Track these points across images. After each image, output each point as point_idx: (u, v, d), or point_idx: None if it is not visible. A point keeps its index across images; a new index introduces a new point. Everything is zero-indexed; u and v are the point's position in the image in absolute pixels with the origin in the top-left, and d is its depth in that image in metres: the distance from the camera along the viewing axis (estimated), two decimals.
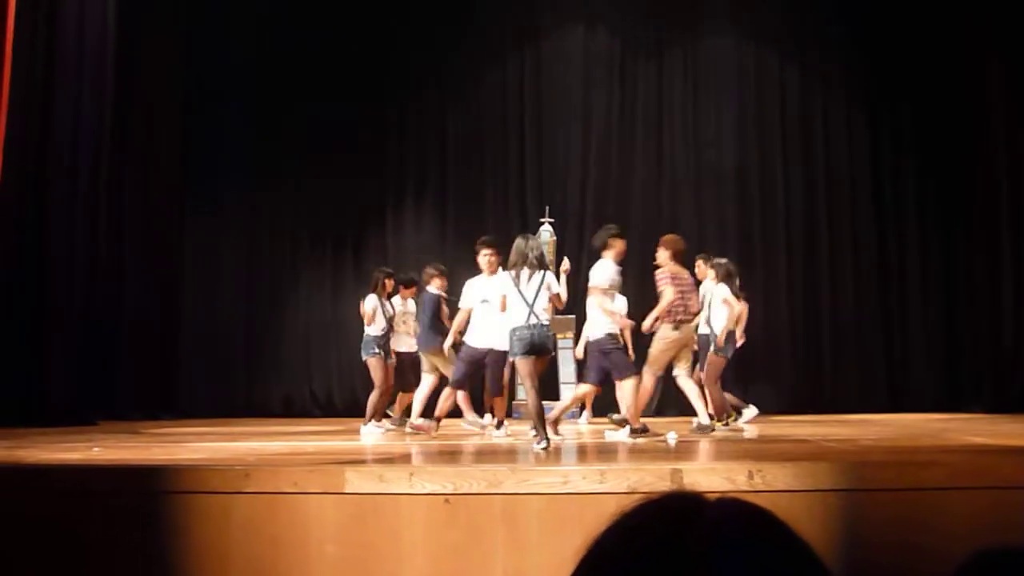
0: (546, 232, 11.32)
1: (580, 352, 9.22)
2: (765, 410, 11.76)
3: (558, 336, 10.08)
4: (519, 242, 6.58)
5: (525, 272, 6.33)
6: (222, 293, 12.79)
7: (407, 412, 8.51)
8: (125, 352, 11.27)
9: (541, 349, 6.27)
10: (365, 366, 8.48)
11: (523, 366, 6.28)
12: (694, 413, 7.87)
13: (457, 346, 8.03)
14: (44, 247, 9.29)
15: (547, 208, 11.69)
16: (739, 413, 8.92)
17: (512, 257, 6.54)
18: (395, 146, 13.07)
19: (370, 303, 8.40)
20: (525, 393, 6.73)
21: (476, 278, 7.78)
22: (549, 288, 6.36)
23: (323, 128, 12.76)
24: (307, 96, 12.81)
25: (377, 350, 8.11)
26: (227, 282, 12.84)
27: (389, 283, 8.68)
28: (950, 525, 3.49)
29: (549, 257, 11.28)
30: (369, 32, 12.88)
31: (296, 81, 12.86)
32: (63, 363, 9.35)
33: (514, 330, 6.26)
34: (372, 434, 7.78)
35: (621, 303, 8.33)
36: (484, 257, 7.70)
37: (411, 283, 9.13)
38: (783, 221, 12.58)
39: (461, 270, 10.35)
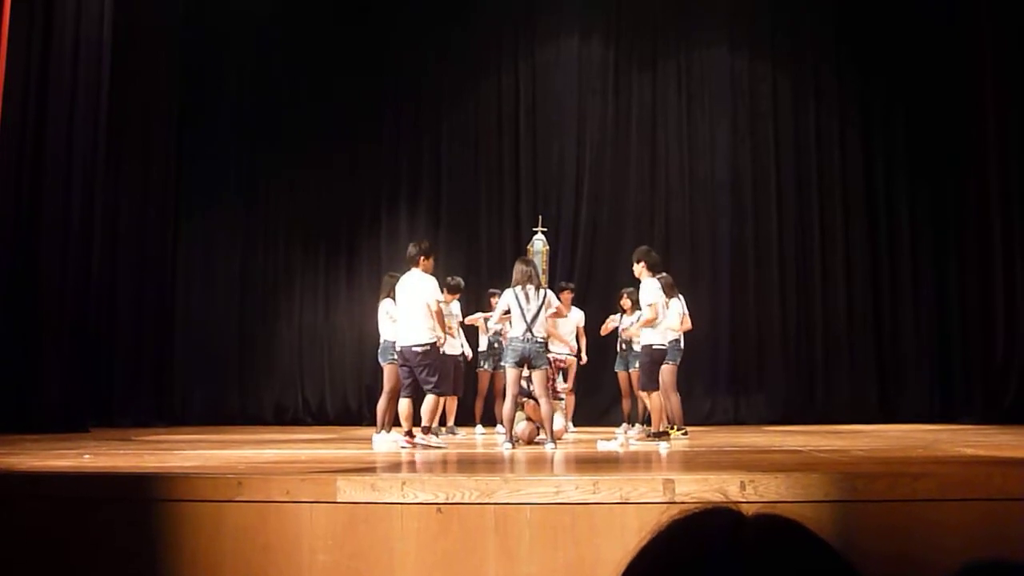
0: (539, 241, 11.32)
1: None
2: (757, 420, 11.81)
3: None
4: (520, 266, 7.21)
5: (531, 290, 6.99)
6: (215, 300, 12.77)
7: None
8: (118, 359, 11.25)
9: (530, 362, 6.99)
10: (380, 371, 8.32)
11: (510, 374, 7.00)
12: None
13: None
14: (37, 252, 9.27)
15: (540, 217, 11.70)
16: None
17: (517, 276, 7.10)
18: (390, 153, 13.07)
19: (385, 308, 8.25)
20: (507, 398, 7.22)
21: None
22: (549, 306, 7.12)
23: (317, 134, 12.78)
24: (301, 102, 12.84)
25: (395, 356, 7.73)
26: (220, 289, 12.82)
27: None
28: (942, 536, 3.50)
29: (542, 266, 11.31)
30: (365, 39, 12.91)
31: (291, 86, 12.88)
32: (56, 369, 9.32)
33: (511, 340, 7.01)
34: (386, 442, 7.40)
35: None
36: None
37: (457, 288, 9.12)
38: (776, 231, 12.62)
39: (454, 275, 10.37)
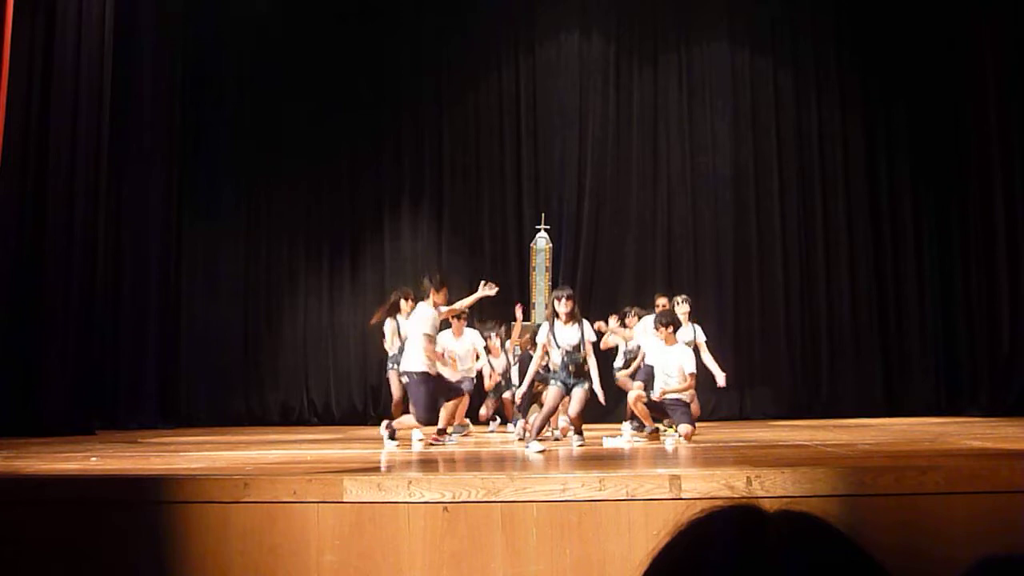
0: (542, 239, 11.33)
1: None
2: (762, 415, 11.80)
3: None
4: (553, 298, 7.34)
5: (559, 323, 7.12)
6: (220, 301, 12.78)
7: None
8: (123, 361, 11.26)
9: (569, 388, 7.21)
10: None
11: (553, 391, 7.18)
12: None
13: None
14: (43, 256, 9.28)
15: (543, 215, 11.69)
16: None
17: (548, 311, 7.49)
18: (392, 153, 13.07)
19: (388, 327, 8.46)
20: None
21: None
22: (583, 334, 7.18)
23: (321, 136, 12.79)
24: (304, 104, 12.84)
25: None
26: (225, 291, 12.83)
27: (409, 304, 8.35)
28: (950, 529, 3.50)
29: (545, 264, 11.30)
30: (366, 40, 12.91)
31: (293, 89, 12.88)
32: (61, 372, 9.33)
33: (552, 371, 7.33)
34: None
35: None
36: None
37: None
38: (779, 226, 12.60)
39: (456, 278, 10.36)
